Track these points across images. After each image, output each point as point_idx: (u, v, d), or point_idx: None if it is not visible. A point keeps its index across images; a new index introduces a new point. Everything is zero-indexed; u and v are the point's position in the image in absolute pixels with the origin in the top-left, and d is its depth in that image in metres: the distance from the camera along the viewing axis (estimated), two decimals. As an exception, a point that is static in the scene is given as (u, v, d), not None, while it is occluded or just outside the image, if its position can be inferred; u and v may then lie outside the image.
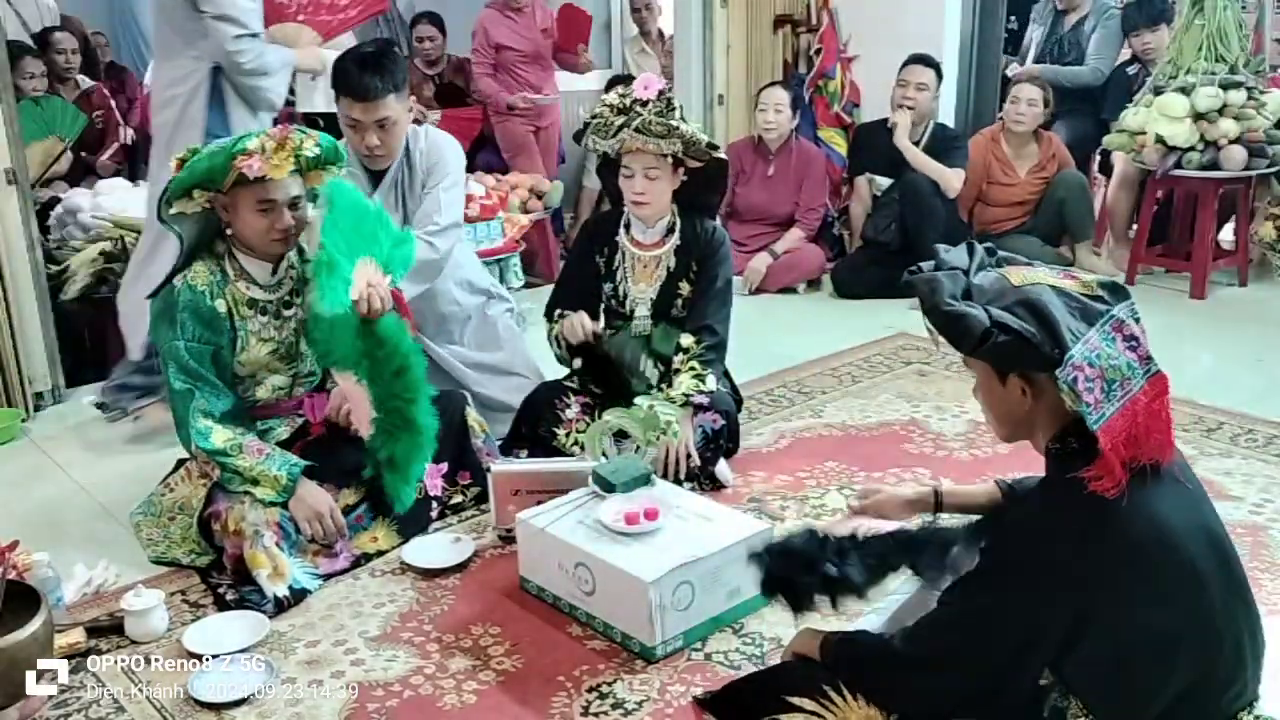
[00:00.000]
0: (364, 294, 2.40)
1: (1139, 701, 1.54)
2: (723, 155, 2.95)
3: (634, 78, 3.01)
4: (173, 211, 2.46)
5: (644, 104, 2.78)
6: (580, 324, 2.92)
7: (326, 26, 3.67)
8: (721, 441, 2.90)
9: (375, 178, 3.05)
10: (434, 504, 2.72)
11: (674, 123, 2.78)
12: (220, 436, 2.44)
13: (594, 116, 2.87)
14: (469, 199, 4.07)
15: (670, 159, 2.84)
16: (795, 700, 1.75)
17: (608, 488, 2.40)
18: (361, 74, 2.88)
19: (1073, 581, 1.51)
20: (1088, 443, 1.50)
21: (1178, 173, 4.57)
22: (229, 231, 2.52)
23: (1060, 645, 1.55)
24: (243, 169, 2.36)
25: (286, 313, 2.60)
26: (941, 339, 1.58)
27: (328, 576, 2.47)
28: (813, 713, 1.73)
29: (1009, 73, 5.64)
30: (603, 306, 3.08)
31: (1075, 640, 1.53)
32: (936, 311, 1.56)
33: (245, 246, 2.52)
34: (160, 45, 3.05)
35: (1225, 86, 4.48)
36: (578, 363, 3.01)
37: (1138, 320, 1.55)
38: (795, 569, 1.80)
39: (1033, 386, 1.56)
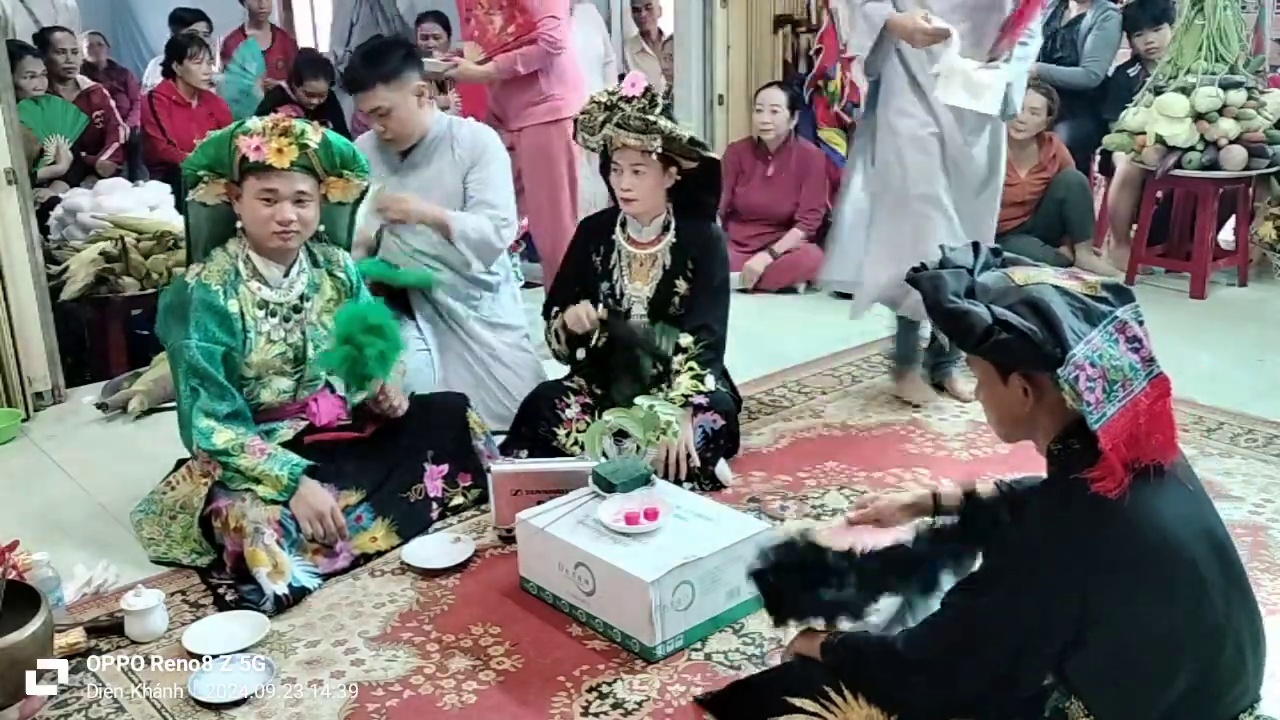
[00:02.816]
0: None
1: (1140, 703, 1.53)
2: (712, 154, 2.97)
3: None
4: (190, 198, 2.51)
5: (628, 100, 2.81)
6: (585, 313, 2.94)
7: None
8: (721, 441, 2.90)
9: (404, 156, 3.29)
10: (434, 505, 2.72)
11: (652, 118, 2.80)
12: (222, 436, 2.44)
13: (583, 113, 2.92)
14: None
15: (657, 156, 2.86)
16: (796, 701, 1.75)
17: (608, 488, 2.40)
18: (357, 67, 3.18)
19: (1075, 582, 1.51)
20: (1090, 444, 1.50)
21: (1178, 173, 4.56)
22: (240, 225, 2.54)
23: (1062, 647, 1.54)
24: (243, 149, 2.42)
25: (296, 316, 2.61)
26: (946, 339, 1.59)
27: (327, 576, 2.47)
28: (814, 714, 1.73)
29: None
30: (600, 306, 3.09)
31: (1077, 641, 1.53)
32: (939, 309, 1.56)
33: (252, 241, 2.54)
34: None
35: (1225, 86, 4.47)
36: (580, 353, 3.02)
37: (1141, 322, 1.55)
38: (794, 588, 1.82)
39: (1034, 387, 1.56)
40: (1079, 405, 1.47)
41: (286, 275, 2.59)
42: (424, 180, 3.24)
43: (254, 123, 2.45)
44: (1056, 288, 1.55)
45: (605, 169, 3.03)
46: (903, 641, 1.70)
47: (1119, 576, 1.49)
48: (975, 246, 1.69)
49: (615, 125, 2.83)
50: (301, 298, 2.62)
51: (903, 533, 1.93)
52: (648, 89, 2.84)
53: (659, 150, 2.85)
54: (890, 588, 1.81)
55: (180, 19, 6.42)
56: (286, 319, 2.60)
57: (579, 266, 3.09)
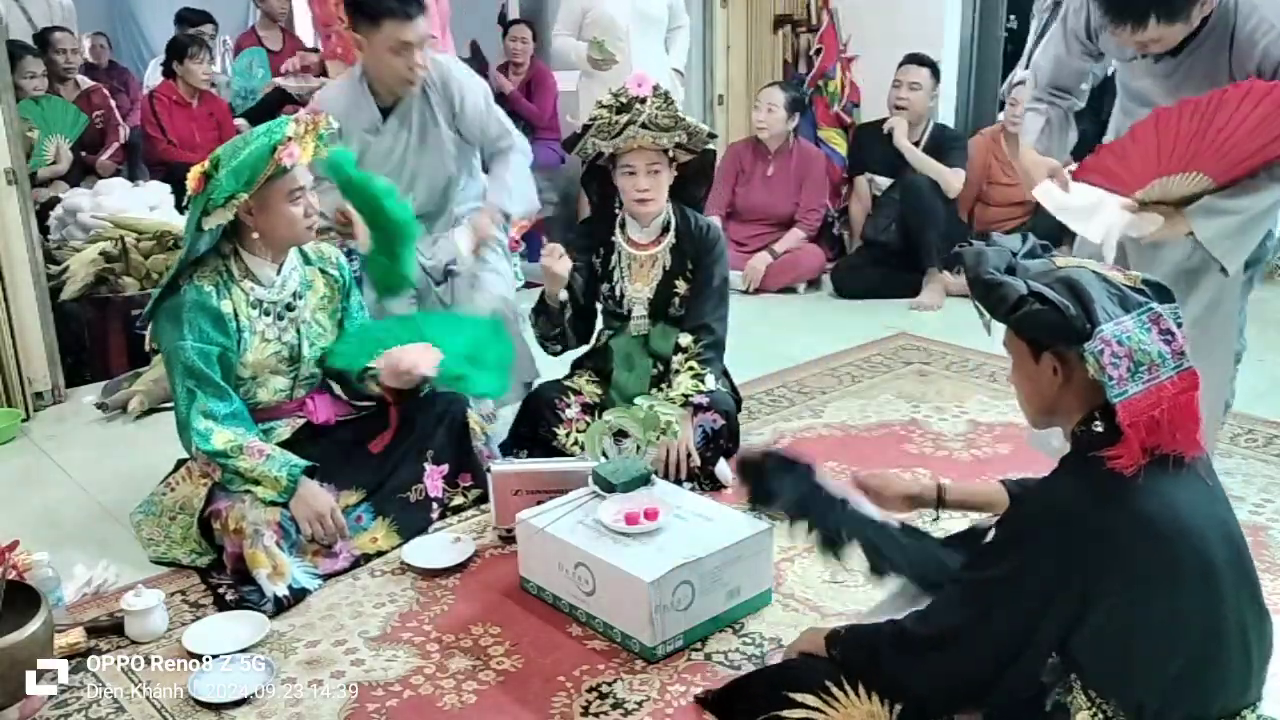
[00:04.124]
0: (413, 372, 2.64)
1: (1141, 684, 1.54)
2: (712, 146, 2.99)
3: None
4: (206, 226, 2.42)
5: (643, 100, 2.80)
6: (554, 266, 2.85)
7: None
8: (721, 441, 2.90)
9: (384, 114, 3.13)
10: (434, 505, 2.72)
11: (679, 114, 2.82)
12: (220, 438, 2.44)
13: (592, 119, 2.88)
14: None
15: (668, 153, 2.85)
16: (797, 697, 1.75)
17: (608, 488, 2.41)
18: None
19: (1084, 553, 1.52)
20: (1112, 427, 1.52)
21: (1178, 173, 4.56)
22: (255, 235, 2.50)
23: (1069, 620, 1.55)
24: (284, 160, 2.39)
25: (290, 314, 2.60)
26: (986, 314, 1.62)
27: (327, 576, 2.47)
28: (815, 709, 1.73)
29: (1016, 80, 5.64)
30: (600, 308, 3.09)
31: (1084, 614, 1.54)
32: (978, 281, 1.59)
33: (275, 243, 2.54)
34: None
35: (1225, 86, 4.47)
36: (558, 346, 3.02)
37: (1179, 323, 1.55)
38: (787, 489, 1.93)
39: (1064, 366, 1.57)
40: (1101, 378, 1.48)
41: (279, 273, 2.59)
42: (411, 140, 3.15)
43: (291, 129, 2.40)
44: (1096, 273, 1.58)
45: (588, 176, 3.02)
46: (911, 620, 1.70)
47: (1125, 549, 1.50)
48: (1024, 237, 1.72)
49: (641, 126, 2.80)
50: (294, 295, 2.62)
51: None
52: (656, 86, 2.83)
53: (684, 145, 2.85)
54: (860, 541, 1.87)
55: (185, 19, 6.43)
56: (280, 317, 2.59)
57: (578, 270, 3.09)
